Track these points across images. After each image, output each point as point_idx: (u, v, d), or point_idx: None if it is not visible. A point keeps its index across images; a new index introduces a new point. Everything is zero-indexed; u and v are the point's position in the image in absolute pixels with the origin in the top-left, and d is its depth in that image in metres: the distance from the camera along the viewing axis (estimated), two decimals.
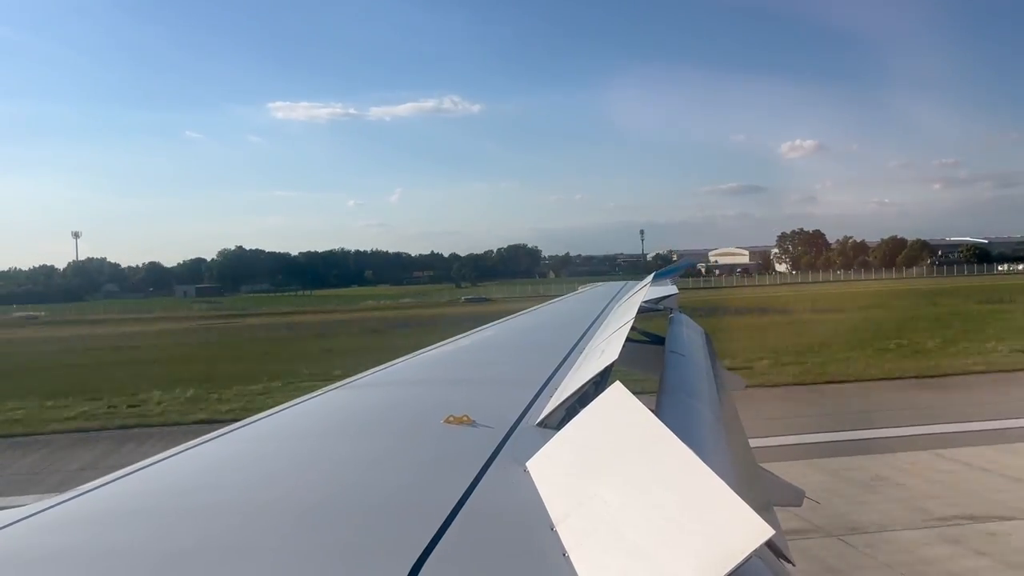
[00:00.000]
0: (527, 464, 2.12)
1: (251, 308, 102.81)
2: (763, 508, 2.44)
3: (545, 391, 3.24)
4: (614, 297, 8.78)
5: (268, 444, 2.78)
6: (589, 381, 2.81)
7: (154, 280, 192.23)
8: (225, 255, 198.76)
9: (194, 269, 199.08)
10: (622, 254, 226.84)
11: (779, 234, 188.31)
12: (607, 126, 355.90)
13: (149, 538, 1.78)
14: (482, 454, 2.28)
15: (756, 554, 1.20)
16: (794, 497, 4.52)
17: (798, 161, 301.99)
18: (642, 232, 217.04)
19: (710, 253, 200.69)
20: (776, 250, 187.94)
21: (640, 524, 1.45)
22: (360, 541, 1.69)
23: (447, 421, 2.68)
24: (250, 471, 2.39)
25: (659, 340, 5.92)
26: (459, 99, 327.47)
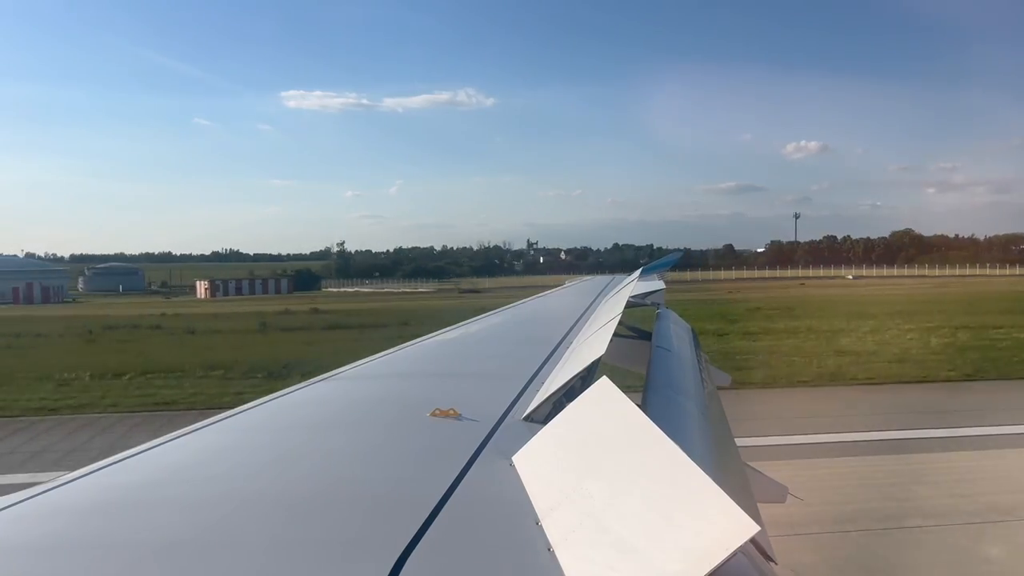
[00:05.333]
0: (513, 458, 2.12)
1: None
2: (748, 505, 2.46)
3: (532, 385, 3.23)
4: (601, 292, 8.79)
5: (253, 436, 2.76)
6: (576, 376, 2.81)
7: None
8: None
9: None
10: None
11: None
12: (612, 123, 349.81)
13: (133, 529, 1.76)
14: (468, 448, 2.27)
15: (741, 550, 1.21)
16: (778, 494, 4.56)
17: (800, 162, 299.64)
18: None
19: None
20: None
21: (626, 520, 1.45)
22: (344, 534, 1.68)
23: (433, 414, 2.68)
24: (234, 463, 2.37)
25: (646, 335, 5.95)
26: (474, 92, 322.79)
